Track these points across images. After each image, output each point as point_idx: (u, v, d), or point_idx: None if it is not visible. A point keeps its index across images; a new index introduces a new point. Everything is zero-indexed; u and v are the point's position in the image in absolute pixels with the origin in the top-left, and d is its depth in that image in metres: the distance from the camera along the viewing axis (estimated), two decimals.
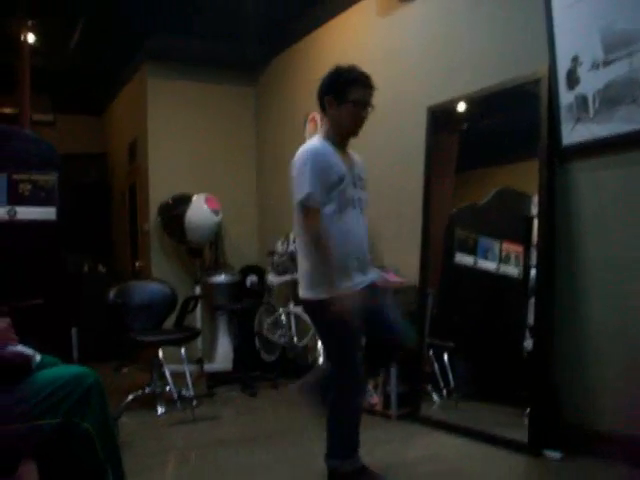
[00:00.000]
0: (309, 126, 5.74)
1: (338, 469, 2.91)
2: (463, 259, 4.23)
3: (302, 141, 3.16)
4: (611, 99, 3.21)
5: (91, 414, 1.94)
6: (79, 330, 6.33)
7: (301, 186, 2.74)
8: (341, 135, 2.89)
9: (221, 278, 6.25)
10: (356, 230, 2.91)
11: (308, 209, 2.75)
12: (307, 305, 2.97)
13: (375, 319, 2.92)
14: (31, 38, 5.99)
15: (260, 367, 5.88)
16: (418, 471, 3.27)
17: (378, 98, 2.93)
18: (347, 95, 2.79)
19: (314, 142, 2.88)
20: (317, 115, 5.51)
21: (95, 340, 6.40)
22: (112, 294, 4.97)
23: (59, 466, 1.99)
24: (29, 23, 5.89)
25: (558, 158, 3.52)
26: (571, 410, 3.44)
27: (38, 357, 2.07)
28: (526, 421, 3.45)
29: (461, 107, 4.24)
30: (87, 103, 8.31)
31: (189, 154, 6.65)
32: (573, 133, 3.40)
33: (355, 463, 2.92)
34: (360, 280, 2.88)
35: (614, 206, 3.27)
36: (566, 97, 3.43)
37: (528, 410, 3.48)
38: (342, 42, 5.33)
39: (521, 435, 3.41)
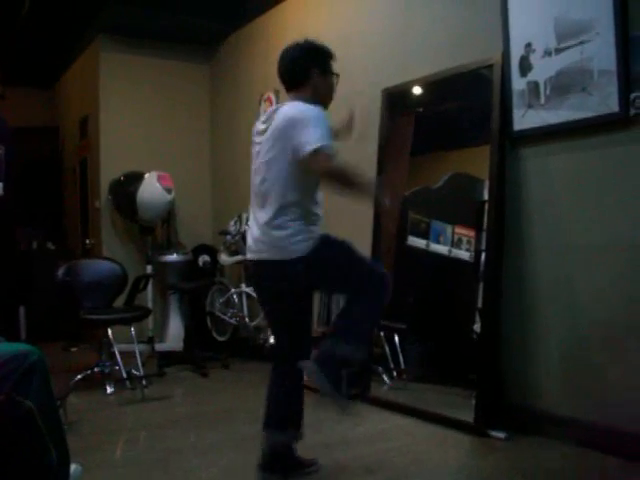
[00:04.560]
0: (264, 105, 5.70)
1: (350, 356, 2.77)
2: (415, 242, 4.26)
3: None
4: (562, 87, 3.26)
5: (34, 392, 1.92)
6: (28, 309, 6.22)
7: (320, 135, 2.63)
8: (319, 104, 2.82)
9: (173, 257, 6.19)
10: None
11: (326, 154, 2.61)
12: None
13: None
14: None
15: (211, 347, 5.87)
16: (366, 449, 3.31)
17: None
18: (331, 67, 2.86)
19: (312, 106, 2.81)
20: (272, 95, 5.47)
21: (44, 319, 6.29)
22: (61, 272, 4.88)
23: (1, 444, 1.95)
24: None
25: (509, 143, 3.56)
26: (516, 392, 3.53)
27: None
28: (474, 402, 3.52)
29: (416, 90, 4.26)
30: (38, 76, 8.07)
31: (142, 131, 6.53)
32: (524, 119, 3.45)
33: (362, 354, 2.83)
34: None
35: (562, 192, 3.34)
36: (518, 83, 3.48)
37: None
38: (299, 22, 5.29)
39: (468, 416, 3.48)
